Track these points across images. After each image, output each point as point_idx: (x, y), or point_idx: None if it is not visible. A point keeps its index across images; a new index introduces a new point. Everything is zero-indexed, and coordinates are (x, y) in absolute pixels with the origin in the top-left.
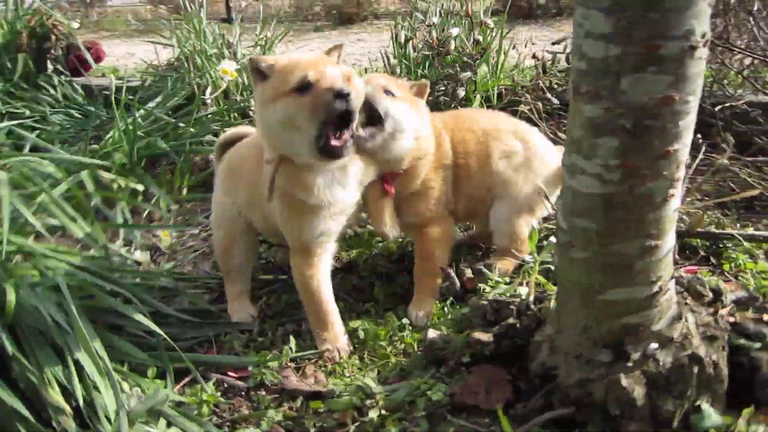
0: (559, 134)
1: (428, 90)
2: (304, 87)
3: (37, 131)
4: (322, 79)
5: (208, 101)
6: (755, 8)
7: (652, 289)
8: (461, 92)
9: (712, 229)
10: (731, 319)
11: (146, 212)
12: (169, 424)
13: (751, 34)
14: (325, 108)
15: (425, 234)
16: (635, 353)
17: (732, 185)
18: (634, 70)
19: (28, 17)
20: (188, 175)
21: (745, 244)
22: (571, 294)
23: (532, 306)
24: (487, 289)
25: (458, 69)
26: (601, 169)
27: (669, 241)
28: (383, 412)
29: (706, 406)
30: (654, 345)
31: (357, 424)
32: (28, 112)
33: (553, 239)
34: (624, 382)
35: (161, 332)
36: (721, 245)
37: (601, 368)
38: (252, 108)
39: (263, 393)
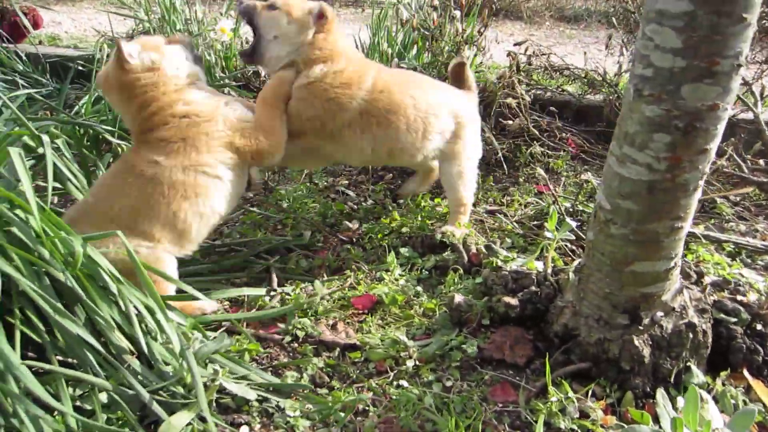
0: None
1: (327, 11)
2: None
3: None
4: None
5: None
6: None
7: (670, 264)
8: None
9: None
10: (712, 298)
11: None
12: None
13: None
14: None
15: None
16: (646, 319)
17: None
18: (694, 81)
19: None
20: None
21: (703, 240)
22: (601, 265)
23: (550, 277)
24: (499, 262)
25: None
26: (651, 159)
27: (689, 224)
28: (417, 362)
29: (694, 366)
30: (660, 312)
31: (395, 372)
32: None
33: (570, 221)
34: (636, 342)
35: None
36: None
37: (618, 330)
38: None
39: (296, 345)
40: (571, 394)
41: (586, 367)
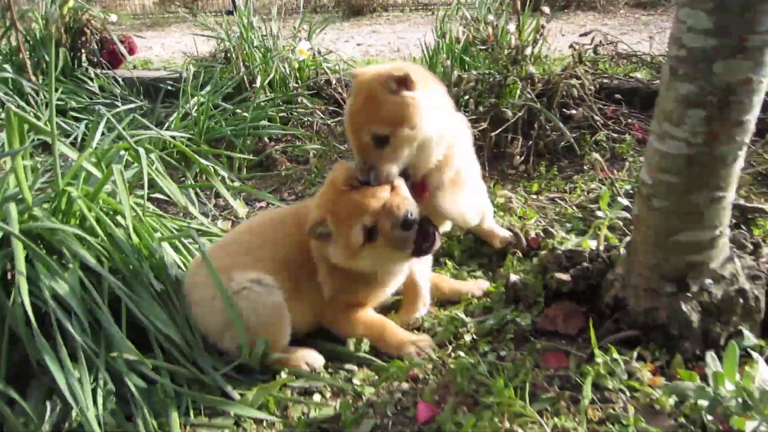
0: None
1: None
2: None
3: (84, 121)
4: None
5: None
6: None
7: (715, 233)
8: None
9: (743, 202)
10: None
11: (213, 190)
12: None
13: None
14: None
15: None
16: (695, 286)
17: (753, 164)
18: (725, 58)
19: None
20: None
21: None
22: (647, 237)
23: (603, 254)
24: (556, 244)
25: (507, 64)
26: (688, 134)
27: (731, 194)
28: (475, 336)
29: (746, 330)
30: (709, 280)
31: (453, 345)
32: (73, 104)
33: (621, 199)
34: (684, 308)
35: None
36: (750, 216)
37: (666, 298)
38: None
39: None
40: (617, 356)
41: (635, 334)
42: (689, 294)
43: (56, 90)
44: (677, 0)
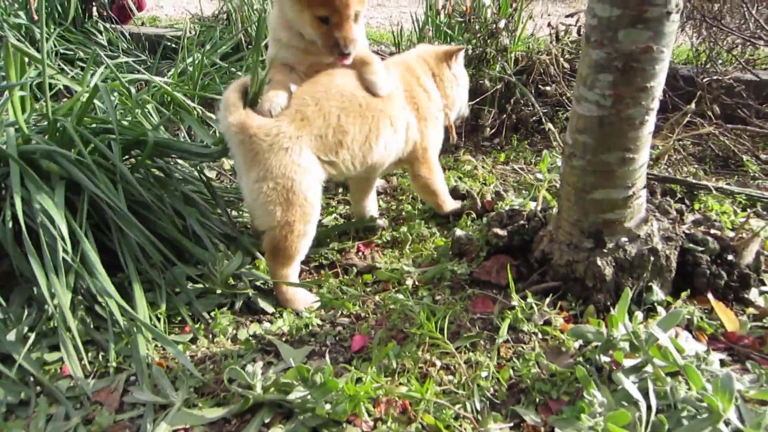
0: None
1: None
2: None
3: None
4: None
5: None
6: None
7: (627, 192)
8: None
9: (690, 179)
10: (688, 231)
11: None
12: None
13: (742, 17)
14: None
15: None
16: (610, 243)
17: (712, 147)
18: (627, 26)
19: None
20: None
21: (714, 192)
22: (569, 194)
23: (539, 213)
24: (505, 206)
25: (485, 36)
26: (598, 97)
27: (643, 156)
28: (417, 283)
29: (656, 287)
30: (624, 238)
31: (396, 289)
32: (81, 54)
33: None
34: (599, 263)
35: None
36: (695, 192)
37: (584, 252)
38: None
39: (322, 271)
40: (531, 300)
41: (556, 285)
42: (605, 250)
43: (66, 41)
44: None
